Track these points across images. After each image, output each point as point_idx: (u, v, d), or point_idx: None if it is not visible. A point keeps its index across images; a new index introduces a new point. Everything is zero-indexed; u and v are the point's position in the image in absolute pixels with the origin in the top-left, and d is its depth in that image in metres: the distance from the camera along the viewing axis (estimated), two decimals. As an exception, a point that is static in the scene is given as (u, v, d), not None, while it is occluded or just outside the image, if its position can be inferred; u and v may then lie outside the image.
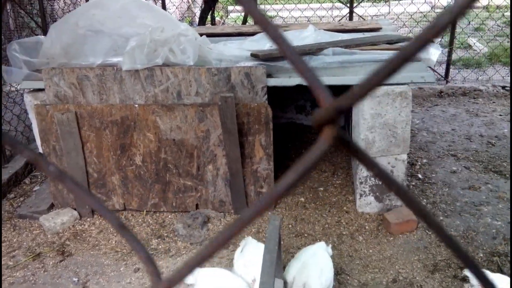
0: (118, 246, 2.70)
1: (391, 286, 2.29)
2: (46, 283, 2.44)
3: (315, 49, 2.94)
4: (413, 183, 3.25)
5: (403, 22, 5.88)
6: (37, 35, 4.28)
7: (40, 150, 2.97)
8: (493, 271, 2.26)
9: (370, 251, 2.55)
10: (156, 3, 6.25)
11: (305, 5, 6.20)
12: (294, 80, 2.73)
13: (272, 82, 2.75)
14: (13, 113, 4.03)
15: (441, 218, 2.82)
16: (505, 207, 2.91)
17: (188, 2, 9.53)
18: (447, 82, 5.41)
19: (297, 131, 4.18)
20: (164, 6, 5.79)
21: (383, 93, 2.63)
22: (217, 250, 0.27)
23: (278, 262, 1.90)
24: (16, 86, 4.31)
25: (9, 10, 5.57)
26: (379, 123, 2.68)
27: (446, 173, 3.38)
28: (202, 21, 5.87)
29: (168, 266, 2.53)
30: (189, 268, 0.28)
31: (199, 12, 6.85)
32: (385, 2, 9.67)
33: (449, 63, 5.41)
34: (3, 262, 2.61)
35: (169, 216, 2.97)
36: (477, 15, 6.23)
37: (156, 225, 2.90)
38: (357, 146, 0.25)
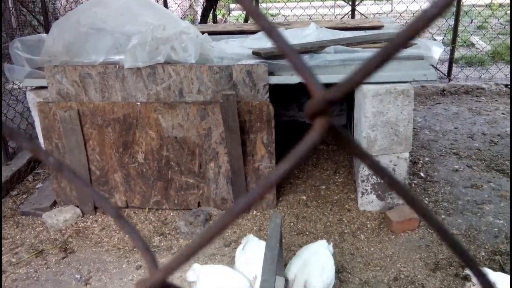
0: (120, 243, 2.71)
1: (392, 285, 2.29)
2: (49, 280, 2.45)
3: (317, 47, 2.94)
4: (415, 182, 3.24)
5: (406, 20, 5.87)
6: (39, 33, 4.29)
7: (43, 148, 2.98)
8: (494, 269, 2.25)
9: (372, 249, 2.56)
10: (158, 1, 6.26)
11: (307, 3, 6.19)
12: (296, 78, 2.73)
13: (274, 80, 2.75)
14: (15, 110, 4.04)
15: (443, 216, 2.82)
16: (507, 205, 2.90)
17: (190, 0, 9.53)
18: (449, 80, 5.39)
19: (299, 129, 4.18)
20: (165, 4, 5.79)
21: (385, 91, 2.62)
22: (213, 238, 0.28)
23: (279, 259, 1.91)
24: (18, 84, 4.33)
25: (11, 8, 5.58)
26: (381, 121, 2.67)
27: (448, 171, 3.37)
28: (203, 19, 5.87)
29: (169, 263, 2.54)
30: (185, 257, 0.29)
31: (200, 10, 6.85)
32: (387, 0, 9.65)
33: (451, 61, 5.40)
34: (6, 259, 2.63)
35: (171, 214, 2.98)
36: (480, 13, 6.20)
37: (158, 222, 2.91)
38: (349, 136, 0.25)
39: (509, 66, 5.48)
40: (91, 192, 0.34)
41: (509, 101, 4.86)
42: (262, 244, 2.16)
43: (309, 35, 3.25)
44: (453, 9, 5.26)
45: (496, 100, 4.92)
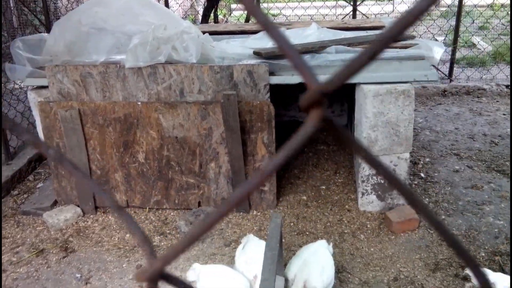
0: (121, 243, 2.72)
1: (392, 285, 2.29)
2: (49, 279, 2.46)
3: (318, 47, 2.94)
4: (416, 182, 3.24)
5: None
6: (40, 32, 4.30)
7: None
8: (494, 270, 2.25)
9: (372, 249, 2.56)
10: (159, 1, 6.27)
11: (308, 3, 6.19)
12: (296, 78, 2.73)
13: (275, 80, 2.75)
14: (17, 110, 4.05)
15: (443, 217, 2.82)
16: (507, 206, 2.90)
17: (191, 0, 9.55)
18: (450, 80, 5.39)
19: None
20: (167, 4, 5.80)
21: (385, 92, 2.63)
22: (210, 228, 0.28)
23: (279, 259, 1.91)
24: (19, 84, 4.34)
25: (12, 8, 5.60)
26: (381, 122, 2.67)
27: (449, 172, 3.37)
28: (205, 19, 5.88)
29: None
30: (183, 246, 0.29)
31: (202, 10, 6.86)
32: (389, 0, 9.65)
33: (452, 61, 5.39)
34: (6, 258, 2.63)
35: (172, 213, 2.98)
36: (481, 13, 6.20)
37: (159, 222, 2.91)
38: (342, 128, 0.26)
39: (510, 66, 5.47)
40: (90, 184, 0.35)
41: (510, 101, 4.86)
42: (262, 244, 2.16)
43: (310, 35, 3.25)
44: (455, 9, 5.26)
45: (497, 101, 4.92)
